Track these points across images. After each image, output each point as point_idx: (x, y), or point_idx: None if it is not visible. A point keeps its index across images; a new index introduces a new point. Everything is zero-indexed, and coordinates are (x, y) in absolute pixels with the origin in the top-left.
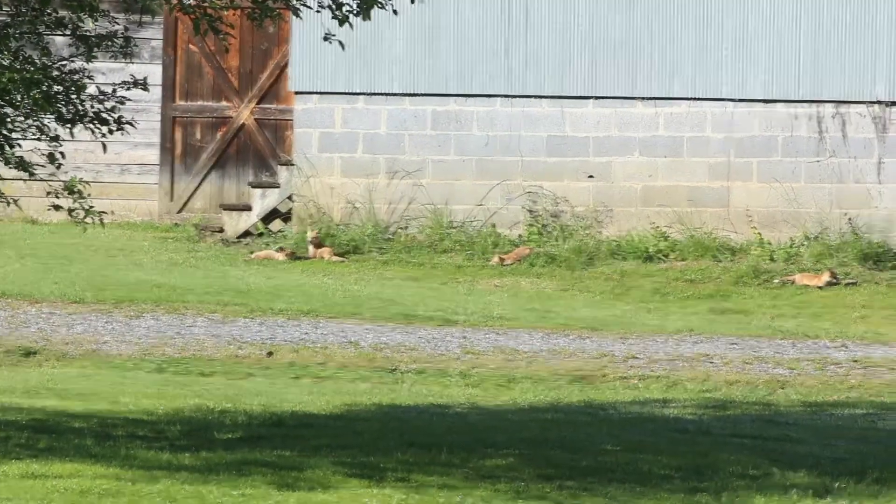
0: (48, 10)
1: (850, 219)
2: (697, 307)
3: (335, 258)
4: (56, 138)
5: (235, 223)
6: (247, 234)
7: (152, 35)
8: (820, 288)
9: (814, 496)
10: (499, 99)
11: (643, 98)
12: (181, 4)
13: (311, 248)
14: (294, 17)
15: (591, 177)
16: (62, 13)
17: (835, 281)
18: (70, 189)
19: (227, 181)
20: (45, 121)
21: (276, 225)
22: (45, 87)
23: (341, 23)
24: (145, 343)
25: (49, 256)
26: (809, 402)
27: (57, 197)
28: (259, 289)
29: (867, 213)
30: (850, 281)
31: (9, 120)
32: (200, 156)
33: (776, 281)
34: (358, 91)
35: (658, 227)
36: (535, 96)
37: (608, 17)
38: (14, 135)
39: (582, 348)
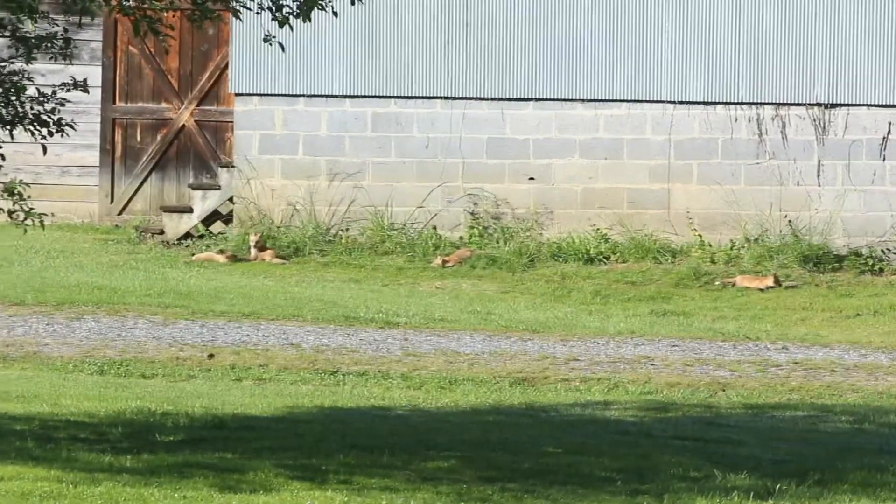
0: None
1: (790, 221)
2: (638, 309)
3: (277, 260)
4: None
5: (176, 225)
6: (188, 236)
7: (92, 36)
8: (762, 290)
9: (755, 498)
10: (439, 101)
11: (583, 100)
12: (121, 6)
13: (253, 251)
14: (234, 19)
15: (531, 179)
16: (1, 14)
17: (777, 285)
18: (10, 191)
19: (167, 183)
20: None
21: (217, 227)
22: None
23: (281, 24)
24: (86, 345)
25: None
26: (750, 404)
27: None
28: (200, 291)
29: (807, 215)
30: (791, 283)
31: None
32: (141, 158)
33: (717, 283)
34: (298, 93)
35: (599, 229)
36: (476, 98)
37: (548, 18)
38: None
39: (523, 350)
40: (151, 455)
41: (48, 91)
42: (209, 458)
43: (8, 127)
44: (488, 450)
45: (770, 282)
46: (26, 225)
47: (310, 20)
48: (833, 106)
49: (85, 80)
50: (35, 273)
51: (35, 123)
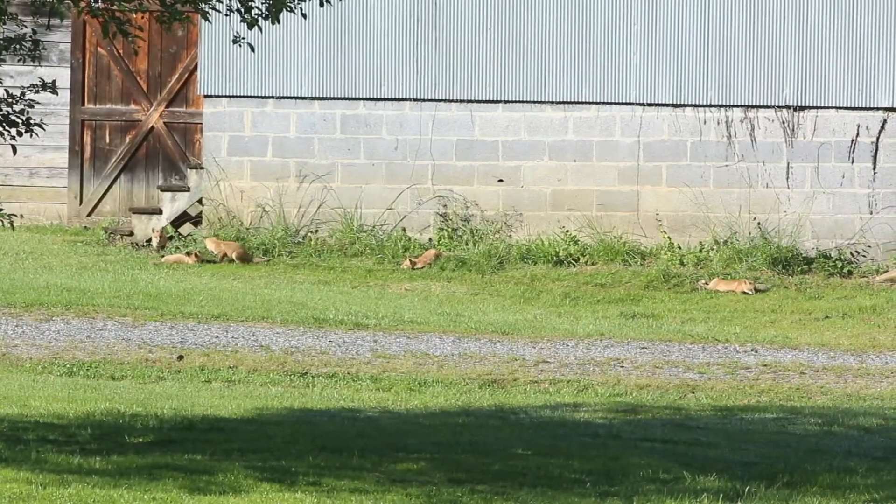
0: None
1: (759, 223)
2: (608, 311)
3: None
4: None
5: (145, 227)
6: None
7: (61, 38)
8: (745, 293)
9: (724, 500)
10: (408, 102)
11: (552, 102)
12: (90, 7)
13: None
14: (203, 21)
15: (500, 181)
16: None
17: (755, 291)
18: None
19: (136, 185)
20: None
21: (186, 228)
22: None
23: (250, 26)
24: (55, 347)
25: None
26: (720, 406)
27: None
28: (169, 292)
29: (776, 217)
30: (760, 286)
31: None
32: (110, 159)
33: (702, 282)
34: (267, 94)
35: (568, 231)
36: (445, 100)
37: (517, 20)
38: None
39: (493, 352)
40: (121, 457)
41: (17, 92)
42: (179, 460)
43: None
44: (458, 452)
45: (747, 287)
46: None
47: (279, 22)
48: (802, 108)
49: (54, 82)
50: (4, 275)
51: (4, 124)
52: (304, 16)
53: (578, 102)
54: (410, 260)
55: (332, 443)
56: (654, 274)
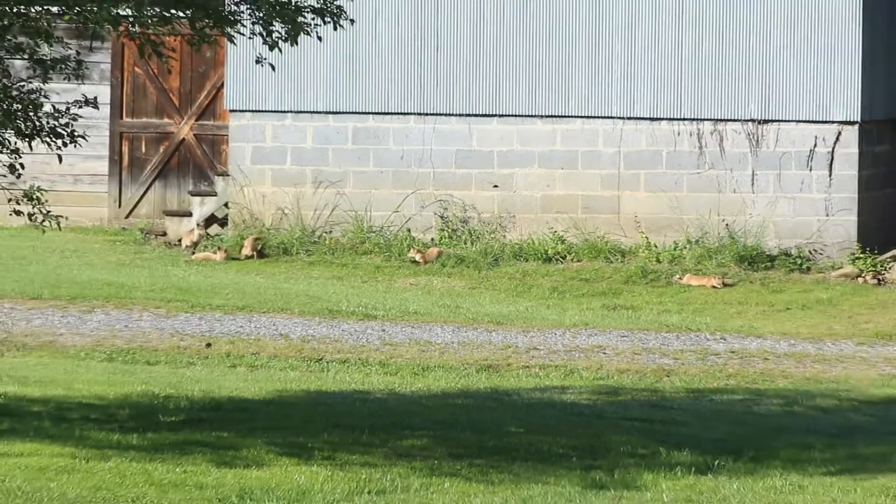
0: (8, 37)
1: (727, 224)
2: (592, 303)
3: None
4: (16, 151)
5: (177, 228)
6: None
7: (101, 59)
8: (715, 287)
9: (696, 473)
10: (412, 116)
11: (542, 116)
12: (127, 31)
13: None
14: (229, 43)
15: (495, 186)
16: (21, 39)
17: (723, 285)
18: (29, 196)
19: (169, 190)
20: (6, 135)
21: (214, 229)
22: (5, 106)
23: (271, 48)
24: (97, 335)
25: (9, 257)
26: (692, 388)
27: (18, 203)
28: (199, 287)
29: (743, 219)
30: (728, 281)
31: None
32: (145, 167)
33: (676, 277)
34: (286, 109)
35: (556, 231)
36: (445, 114)
37: (510, 42)
38: None
39: (489, 340)
40: (155, 434)
41: (62, 107)
42: (207, 437)
43: (27, 139)
44: (457, 430)
45: (716, 281)
46: (44, 227)
47: (297, 44)
48: (765, 122)
49: (95, 98)
50: (51, 270)
51: (51, 136)
52: (319, 38)
53: (565, 116)
54: (418, 251)
55: (345, 421)
56: (633, 270)
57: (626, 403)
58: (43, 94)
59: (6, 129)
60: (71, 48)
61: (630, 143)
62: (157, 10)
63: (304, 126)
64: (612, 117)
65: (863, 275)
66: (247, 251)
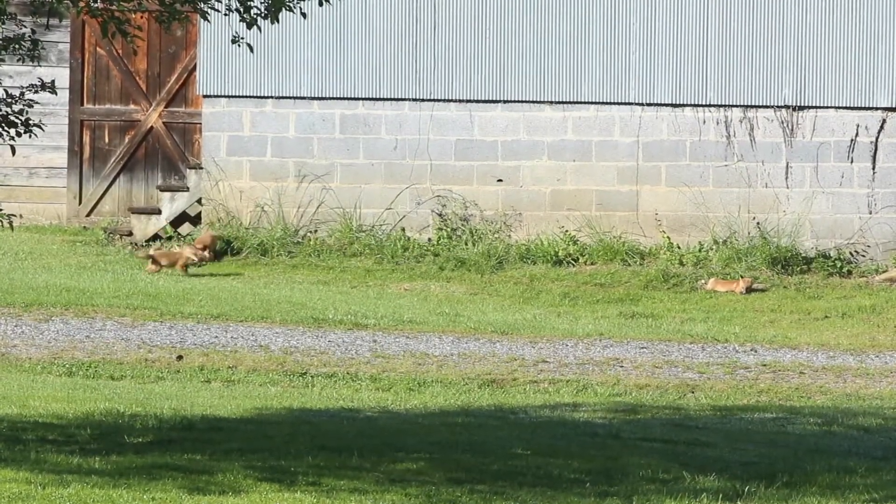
0: None
1: (758, 223)
2: (607, 311)
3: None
4: None
5: (144, 227)
6: (156, 237)
7: (59, 38)
8: (744, 293)
9: (724, 500)
10: (407, 102)
11: (551, 102)
12: (88, 7)
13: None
14: (202, 21)
15: (499, 181)
16: None
17: (751, 290)
18: None
19: (135, 185)
20: None
21: (186, 228)
22: None
23: (249, 26)
24: (55, 347)
25: None
26: (719, 406)
27: None
28: (168, 292)
29: (775, 217)
30: (759, 286)
31: None
32: (109, 159)
33: (701, 282)
34: (266, 94)
35: (567, 231)
36: (444, 100)
37: (518, 20)
38: None
39: (492, 352)
40: (120, 457)
41: (16, 92)
42: (178, 460)
43: None
44: (457, 452)
45: (746, 286)
46: None
47: (278, 21)
48: (801, 108)
49: (53, 82)
50: (3, 274)
51: (3, 125)
52: (303, 15)
53: (577, 102)
54: (192, 247)
55: (332, 442)
56: (653, 274)
57: (646, 422)
58: None
59: None
60: (25, 26)
61: (650, 132)
62: None
63: (286, 113)
64: (629, 103)
65: None
66: (194, 252)
